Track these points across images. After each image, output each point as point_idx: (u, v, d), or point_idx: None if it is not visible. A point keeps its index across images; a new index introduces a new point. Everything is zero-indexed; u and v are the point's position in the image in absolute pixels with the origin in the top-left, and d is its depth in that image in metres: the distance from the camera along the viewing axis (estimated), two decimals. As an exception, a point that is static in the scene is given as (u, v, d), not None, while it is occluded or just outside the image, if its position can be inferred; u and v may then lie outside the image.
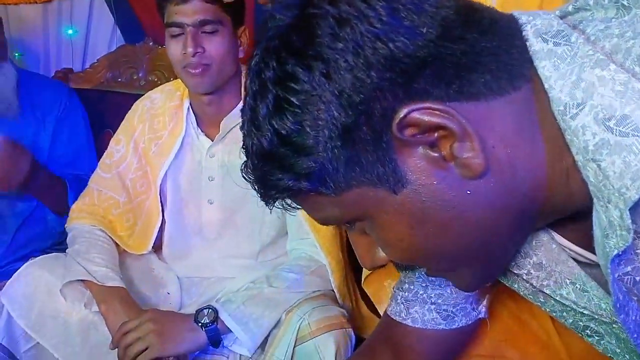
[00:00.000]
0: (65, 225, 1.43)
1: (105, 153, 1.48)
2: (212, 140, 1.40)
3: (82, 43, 2.21)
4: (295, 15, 0.48)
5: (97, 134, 1.93)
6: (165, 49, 1.96)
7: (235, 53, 1.33)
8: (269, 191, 0.53)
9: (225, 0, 1.24)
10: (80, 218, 1.40)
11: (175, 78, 1.97)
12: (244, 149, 0.54)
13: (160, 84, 2.00)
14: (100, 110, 2.02)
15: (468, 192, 0.48)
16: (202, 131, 1.41)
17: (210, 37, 1.25)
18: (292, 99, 0.46)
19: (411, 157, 0.47)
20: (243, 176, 0.56)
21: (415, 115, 0.45)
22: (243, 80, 1.40)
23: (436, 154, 0.47)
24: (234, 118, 1.38)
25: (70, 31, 2.21)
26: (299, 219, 1.35)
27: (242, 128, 0.54)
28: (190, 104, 1.41)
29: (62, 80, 2.11)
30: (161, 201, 1.44)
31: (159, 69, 2.03)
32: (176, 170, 1.42)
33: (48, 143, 1.62)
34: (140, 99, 1.50)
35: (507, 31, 0.48)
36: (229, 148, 1.40)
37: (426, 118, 0.45)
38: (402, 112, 0.45)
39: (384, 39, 0.44)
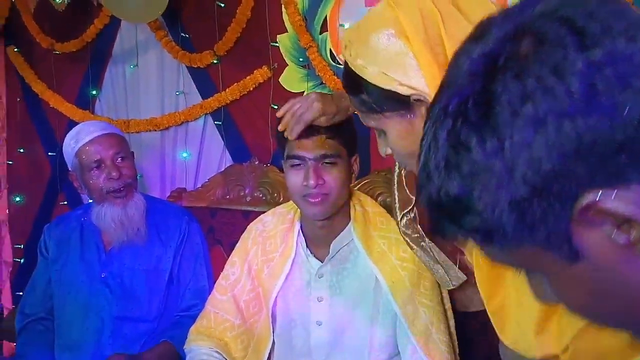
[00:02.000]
0: (184, 347, 1.48)
1: (221, 274, 1.55)
2: (321, 261, 1.44)
3: (195, 165, 2.41)
4: (477, 87, 0.45)
5: (210, 249, 2.05)
6: (270, 168, 2.16)
7: (349, 181, 1.39)
8: (443, 235, 0.52)
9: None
10: (198, 340, 1.46)
11: (279, 195, 2.11)
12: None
13: (265, 200, 2.13)
14: (211, 225, 2.15)
15: None
16: (312, 252, 1.46)
17: (329, 169, 1.32)
18: (462, 166, 0.45)
19: (590, 236, 0.43)
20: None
21: (604, 204, 0.41)
22: (352, 203, 1.46)
23: (621, 239, 0.42)
24: (343, 239, 1.42)
25: (184, 154, 2.42)
26: (413, 343, 1.32)
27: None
28: (301, 226, 1.47)
29: (177, 199, 2.29)
30: (271, 323, 1.48)
31: (263, 186, 2.15)
32: (286, 292, 1.46)
33: (170, 265, 1.74)
34: (254, 222, 1.58)
35: None
36: (337, 269, 1.43)
37: (616, 208, 0.41)
38: (587, 199, 0.41)
39: (572, 118, 0.40)
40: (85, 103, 2.76)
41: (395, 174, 1.34)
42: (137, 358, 1.57)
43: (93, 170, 1.64)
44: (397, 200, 1.34)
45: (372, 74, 0.83)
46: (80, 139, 1.66)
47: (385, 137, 0.92)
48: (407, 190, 1.32)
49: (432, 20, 0.81)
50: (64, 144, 1.71)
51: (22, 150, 3.12)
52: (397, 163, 1.31)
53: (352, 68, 0.86)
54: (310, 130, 1.28)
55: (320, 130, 1.29)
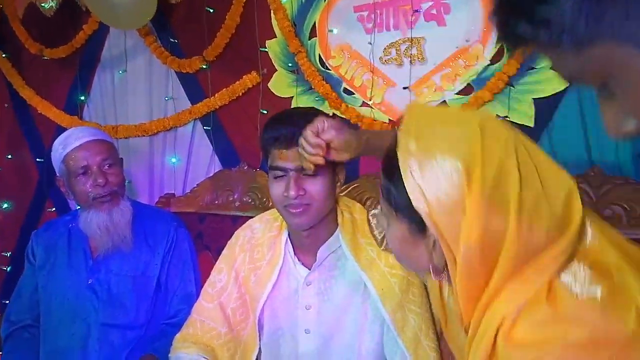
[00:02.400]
0: (170, 355, 1.47)
1: (207, 281, 1.53)
2: (309, 269, 1.43)
3: (184, 170, 2.40)
4: None
5: (199, 254, 2.04)
6: (259, 172, 2.15)
7: (333, 191, 1.37)
8: (508, 40, 0.50)
9: (322, 160, 1.23)
10: (185, 347, 1.44)
11: (268, 200, 2.09)
12: None
13: (254, 205, 2.12)
14: (200, 231, 2.14)
15: None
16: (299, 260, 1.45)
17: (311, 180, 1.31)
18: None
19: None
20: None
21: None
22: (339, 209, 1.45)
23: None
24: (330, 246, 1.41)
25: (173, 160, 2.41)
26: (402, 350, 1.32)
27: None
28: (289, 233, 1.46)
29: (165, 204, 2.28)
30: (258, 331, 1.46)
31: (252, 191, 2.14)
32: (273, 300, 1.45)
33: (157, 271, 1.72)
34: (242, 228, 1.57)
35: None
36: (325, 276, 1.42)
37: None
38: None
39: None
40: (74, 109, 2.74)
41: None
42: None
43: (80, 176, 1.62)
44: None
45: (412, 184, 0.77)
46: (68, 144, 1.65)
47: None
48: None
49: (507, 181, 0.74)
50: (52, 149, 1.69)
51: (9, 156, 3.10)
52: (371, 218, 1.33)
53: (400, 155, 0.78)
54: (291, 141, 1.27)
55: None
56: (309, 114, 1.34)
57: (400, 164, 0.78)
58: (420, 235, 0.83)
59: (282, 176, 1.32)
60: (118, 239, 1.65)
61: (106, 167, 1.65)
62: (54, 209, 2.89)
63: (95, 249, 1.70)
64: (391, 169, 0.82)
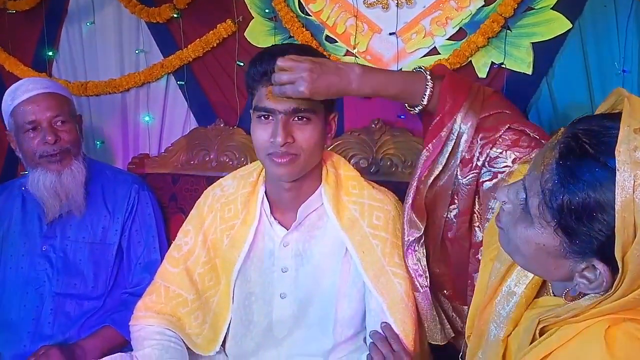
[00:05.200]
0: (130, 323, 1.35)
1: (172, 244, 1.41)
2: (287, 229, 1.30)
3: (159, 128, 2.25)
4: None
5: (171, 217, 1.91)
6: (237, 130, 2.00)
7: (323, 142, 1.24)
8: None
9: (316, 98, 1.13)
10: (148, 317, 1.32)
11: (246, 159, 1.96)
12: None
13: (231, 165, 1.98)
14: (173, 193, 2.01)
15: None
16: (275, 219, 1.32)
17: (301, 127, 1.17)
18: None
19: None
20: None
21: None
22: (323, 164, 1.31)
23: None
24: (311, 204, 1.28)
25: (147, 118, 2.25)
26: (386, 315, 1.21)
27: None
28: (265, 189, 1.33)
29: (139, 165, 2.14)
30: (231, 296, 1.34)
31: (229, 150, 2.01)
32: (247, 262, 1.33)
33: (117, 238, 1.59)
34: (212, 186, 1.43)
35: None
36: (304, 236, 1.30)
37: None
38: None
39: None
40: (42, 65, 2.56)
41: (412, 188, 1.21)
42: (74, 347, 1.43)
43: (28, 132, 1.47)
44: (406, 223, 1.22)
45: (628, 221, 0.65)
46: (16, 96, 1.50)
47: None
48: (416, 217, 1.21)
49: None
50: (2, 101, 1.54)
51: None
52: (416, 181, 1.20)
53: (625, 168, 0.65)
54: None
55: None
56: (306, 50, 1.19)
57: (621, 183, 0.63)
58: (574, 256, 0.71)
59: (268, 118, 1.17)
60: (68, 204, 1.51)
61: (58, 123, 1.50)
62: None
63: (49, 214, 1.56)
64: (572, 171, 0.67)
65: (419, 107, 1.18)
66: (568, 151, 0.68)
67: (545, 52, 1.54)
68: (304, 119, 1.16)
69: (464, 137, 1.14)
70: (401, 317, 1.22)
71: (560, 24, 1.50)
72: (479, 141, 1.14)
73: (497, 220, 0.82)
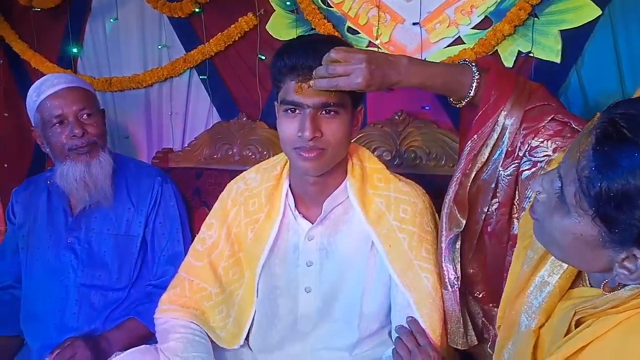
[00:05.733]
0: (155, 316, 1.35)
1: (196, 238, 1.40)
2: (312, 223, 1.29)
3: (182, 123, 2.26)
4: None
5: (195, 211, 1.92)
6: (259, 124, 1.99)
7: (350, 135, 1.21)
8: None
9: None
10: (172, 310, 1.32)
11: (269, 152, 1.95)
12: None
13: (254, 158, 1.97)
14: (197, 187, 2.01)
15: None
16: (300, 213, 1.31)
17: (329, 120, 1.14)
18: None
19: None
20: None
21: None
22: (349, 157, 1.29)
23: None
24: (337, 198, 1.27)
25: (170, 113, 2.26)
26: (413, 310, 1.19)
27: None
28: (290, 183, 1.32)
29: (162, 160, 2.15)
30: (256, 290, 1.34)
31: (252, 143, 2.00)
32: (271, 256, 1.31)
33: (142, 230, 1.60)
34: (235, 179, 1.43)
35: None
36: (329, 230, 1.28)
37: None
38: None
39: None
40: (67, 62, 2.60)
41: (453, 186, 1.19)
42: (99, 339, 1.45)
43: (55, 126, 1.49)
44: (445, 215, 1.20)
45: None
46: (42, 91, 1.51)
47: None
48: (457, 211, 1.18)
49: None
50: (27, 96, 1.56)
51: (6, 115, 2.98)
52: (459, 176, 1.17)
53: None
54: (312, 72, 1.10)
55: None
56: (334, 42, 1.17)
57: None
58: (613, 245, 0.69)
59: (295, 112, 1.15)
60: (97, 194, 1.53)
61: (84, 116, 1.51)
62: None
63: (75, 206, 1.58)
64: (610, 156, 0.65)
65: (465, 100, 1.16)
66: (605, 136, 0.65)
67: (574, 39, 1.50)
68: (332, 113, 1.14)
69: (509, 130, 1.12)
70: (428, 311, 1.20)
71: (589, 11, 1.46)
72: (521, 132, 1.11)
73: (532, 211, 0.80)
